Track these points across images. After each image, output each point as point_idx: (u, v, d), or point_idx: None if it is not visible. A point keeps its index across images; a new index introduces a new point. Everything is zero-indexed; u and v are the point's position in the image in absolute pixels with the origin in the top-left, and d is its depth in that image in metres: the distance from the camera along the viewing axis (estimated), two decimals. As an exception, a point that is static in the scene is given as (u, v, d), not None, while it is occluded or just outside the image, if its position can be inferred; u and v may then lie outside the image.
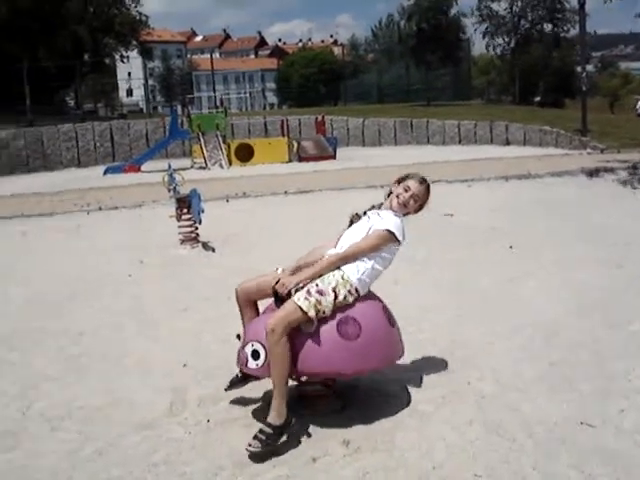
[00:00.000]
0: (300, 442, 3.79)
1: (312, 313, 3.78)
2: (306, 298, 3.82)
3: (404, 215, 4.24)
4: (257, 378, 4.02)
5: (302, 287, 3.91)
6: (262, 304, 4.29)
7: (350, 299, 3.95)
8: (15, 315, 6.62)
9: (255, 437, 3.64)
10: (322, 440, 3.79)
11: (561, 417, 3.92)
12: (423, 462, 3.52)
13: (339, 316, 3.90)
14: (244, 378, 4.23)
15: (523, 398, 4.20)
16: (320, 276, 3.98)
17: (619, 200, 12.79)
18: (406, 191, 4.20)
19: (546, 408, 4.05)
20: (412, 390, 4.39)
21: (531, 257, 8.03)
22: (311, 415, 4.04)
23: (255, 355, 3.86)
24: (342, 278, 3.96)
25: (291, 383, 4.23)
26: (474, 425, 3.88)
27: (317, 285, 3.90)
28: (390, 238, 4.09)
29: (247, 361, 3.91)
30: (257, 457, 3.60)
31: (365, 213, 4.31)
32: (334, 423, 3.96)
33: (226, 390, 4.36)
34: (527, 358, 4.87)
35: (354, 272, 4.00)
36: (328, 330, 3.87)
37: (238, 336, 4.21)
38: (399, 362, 4.75)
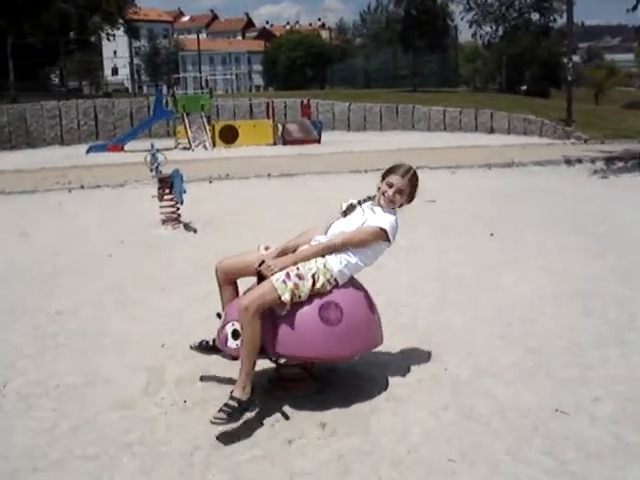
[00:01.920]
0: (276, 424, 3.80)
1: (287, 297, 3.78)
2: (284, 281, 3.81)
3: (399, 207, 4.22)
4: (234, 358, 3.99)
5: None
6: (242, 283, 4.27)
7: (328, 287, 3.93)
8: (-7, 292, 6.57)
9: (220, 410, 3.66)
10: (298, 422, 3.80)
11: (536, 404, 3.95)
12: (398, 446, 3.54)
13: (321, 301, 3.90)
14: (212, 349, 4.24)
15: (499, 384, 4.23)
16: (308, 257, 3.99)
17: (601, 190, 12.87)
18: (390, 187, 4.13)
19: (521, 394, 4.08)
20: (389, 374, 4.41)
21: (512, 245, 8.07)
22: (288, 397, 4.05)
23: (235, 335, 3.86)
24: (324, 266, 3.95)
25: (269, 365, 4.25)
26: (449, 410, 3.91)
27: (298, 269, 3.90)
28: (381, 236, 4.06)
29: (227, 341, 3.92)
30: (226, 438, 3.64)
31: (360, 203, 4.27)
32: (311, 406, 3.97)
33: (191, 348, 4.39)
34: (504, 345, 4.90)
35: (336, 263, 3.98)
36: (310, 314, 3.87)
37: (218, 315, 4.20)
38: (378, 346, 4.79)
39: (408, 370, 4.48)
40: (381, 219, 4.09)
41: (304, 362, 4.16)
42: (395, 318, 5.42)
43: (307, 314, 3.87)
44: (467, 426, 3.72)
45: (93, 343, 5.13)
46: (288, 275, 3.84)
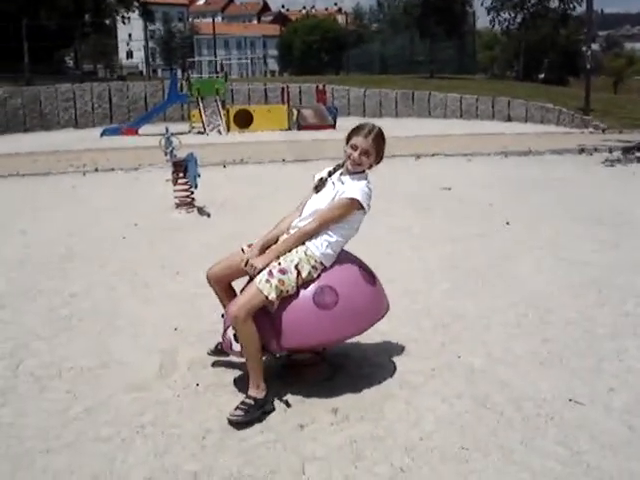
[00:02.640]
0: (288, 409, 3.79)
1: (273, 296, 3.71)
2: (267, 280, 3.73)
3: (369, 168, 4.04)
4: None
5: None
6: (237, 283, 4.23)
7: (315, 274, 3.85)
8: (8, 274, 6.59)
9: (237, 407, 3.67)
10: (310, 408, 3.79)
11: (550, 394, 3.92)
12: (411, 432, 3.52)
13: (314, 287, 3.83)
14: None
15: (513, 373, 4.20)
16: (289, 247, 3.89)
17: (617, 180, 12.75)
18: (355, 149, 3.94)
19: (536, 384, 4.05)
20: (403, 361, 4.39)
21: (527, 234, 8.01)
22: (300, 382, 4.05)
23: (237, 338, 3.84)
24: (305, 254, 3.85)
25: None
26: (463, 398, 3.88)
27: (279, 264, 3.81)
28: (354, 206, 3.90)
29: (231, 345, 3.90)
30: (238, 426, 3.62)
31: (330, 174, 4.11)
32: (323, 391, 3.96)
33: (208, 354, 4.39)
34: (519, 334, 4.87)
35: (317, 247, 3.88)
36: (305, 303, 3.80)
37: (223, 315, 4.18)
38: (391, 333, 4.78)
39: (422, 358, 4.46)
40: (351, 189, 3.92)
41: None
42: (409, 305, 5.40)
43: (302, 303, 3.81)
44: (481, 415, 3.70)
45: (107, 325, 5.14)
46: (271, 273, 3.76)
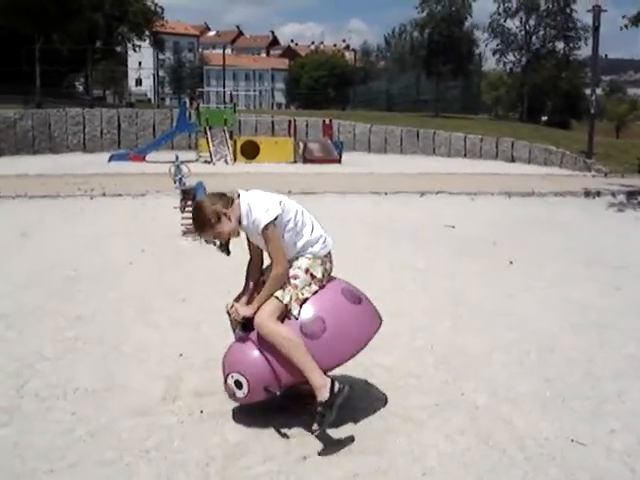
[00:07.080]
0: (292, 439, 3.80)
1: (287, 299, 3.82)
2: (281, 288, 3.85)
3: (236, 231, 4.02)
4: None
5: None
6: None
7: (328, 267, 4.05)
8: (15, 295, 6.63)
9: (314, 420, 3.66)
10: (314, 439, 3.79)
11: (552, 433, 3.94)
12: (413, 467, 3.54)
13: (299, 321, 3.86)
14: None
15: (516, 412, 4.22)
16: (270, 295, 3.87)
17: (619, 223, 12.83)
18: (214, 237, 4.14)
19: (538, 423, 4.07)
20: (406, 397, 4.40)
21: (530, 273, 8.05)
22: (305, 413, 4.06)
23: (238, 385, 3.86)
24: (310, 259, 3.99)
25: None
26: (466, 435, 3.90)
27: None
28: (271, 225, 3.87)
29: (234, 393, 3.92)
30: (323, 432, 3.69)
31: None
32: (327, 423, 3.97)
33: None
34: (522, 372, 4.89)
35: (314, 247, 4.02)
36: None
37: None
38: (395, 368, 4.80)
39: (425, 393, 4.48)
40: (257, 221, 3.88)
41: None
42: (412, 341, 5.43)
43: None
44: (483, 452, 3.71)
45: (112, 349, 5.17)
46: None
